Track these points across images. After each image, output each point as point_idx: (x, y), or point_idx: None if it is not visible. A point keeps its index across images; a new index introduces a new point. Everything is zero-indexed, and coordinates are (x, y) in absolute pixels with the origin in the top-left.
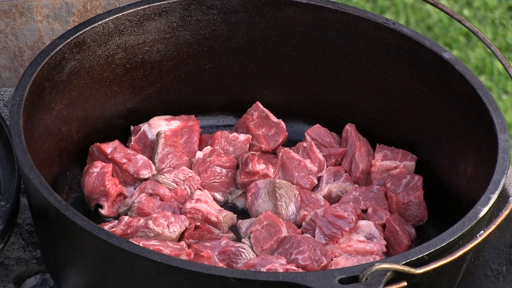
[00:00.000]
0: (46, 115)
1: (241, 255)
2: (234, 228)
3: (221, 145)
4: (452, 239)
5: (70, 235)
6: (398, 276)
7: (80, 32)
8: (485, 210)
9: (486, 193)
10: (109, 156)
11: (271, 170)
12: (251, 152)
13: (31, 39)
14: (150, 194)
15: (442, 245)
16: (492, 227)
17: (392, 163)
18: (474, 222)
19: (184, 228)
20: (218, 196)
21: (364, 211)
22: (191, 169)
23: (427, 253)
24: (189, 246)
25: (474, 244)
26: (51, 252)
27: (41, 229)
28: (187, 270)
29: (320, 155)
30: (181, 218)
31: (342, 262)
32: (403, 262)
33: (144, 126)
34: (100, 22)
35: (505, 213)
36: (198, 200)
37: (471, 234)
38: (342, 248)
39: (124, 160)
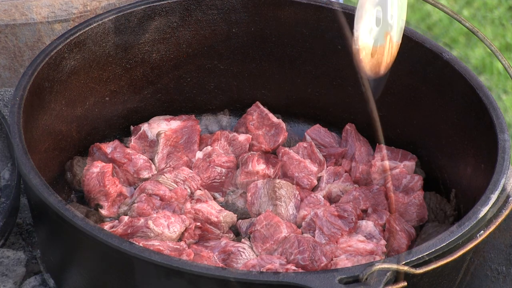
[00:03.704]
0: (46, 115)
1: (241, 255)
2: (234, 228)
3: (221, 145)
4: (452, 239)
5: (70, 236)
6: (398, 276)
7: (80, 32)
8: (485, 210)
9: (486, 193)
10: (109, 156)
11: (271, 170)
12: (251, 152)
13: (31, 39)
14: (150, 194)
15: (442, 245)
16: (492, 227)
17: (392, 163)
18: (474, 222)
19: (184, 228)
20: (218, 196)
21: (364, 211)
22: (191, 169)
23: (427, 253)
24: (189, 246)
25: (474, 244)
26: (51, 252)
27: (41, 229)
28: (187, 271)
29: (320, 155)
30: (181, 218)
31: (342, 262)
32: (403, 262)
33: (144, 126)
34: (99, 22)
35: (505, 213)
36: (198, 200)
37: (471, 234)
38: (342, 248)
39: (124, 160)
